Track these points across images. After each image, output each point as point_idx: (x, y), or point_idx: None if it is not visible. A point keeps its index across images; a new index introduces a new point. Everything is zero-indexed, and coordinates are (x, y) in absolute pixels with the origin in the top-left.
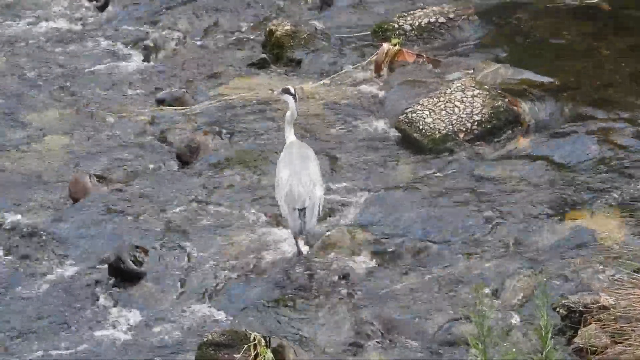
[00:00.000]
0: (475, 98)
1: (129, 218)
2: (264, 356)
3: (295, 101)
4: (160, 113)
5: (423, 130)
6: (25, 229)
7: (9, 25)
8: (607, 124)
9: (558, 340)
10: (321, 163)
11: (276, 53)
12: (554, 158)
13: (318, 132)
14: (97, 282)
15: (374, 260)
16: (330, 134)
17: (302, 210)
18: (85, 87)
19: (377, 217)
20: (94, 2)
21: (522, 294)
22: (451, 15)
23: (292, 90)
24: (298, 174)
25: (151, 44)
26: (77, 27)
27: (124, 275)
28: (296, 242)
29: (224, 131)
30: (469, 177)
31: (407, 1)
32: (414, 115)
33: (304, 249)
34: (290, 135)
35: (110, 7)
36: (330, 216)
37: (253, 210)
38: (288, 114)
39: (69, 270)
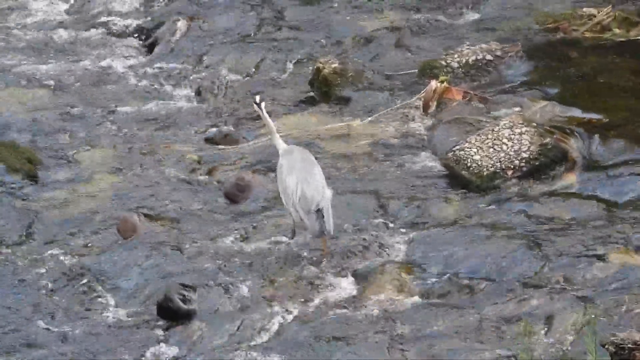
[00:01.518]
0: (523, 135)
1: (178, 257)
2: None
3: (261, 110)
4: (209, 151)
5: (471, 168)
6: (74, 268)
7: (61, 64)
8: None
9: None
10: (369, 200)
11: (324, 91)
12: (602, 195)
13: (366, 170)
14: (146, 321)
15: (422, 298)
16: (378, 171)
17: (318, 211)
18: (134, 126)
19: (424, 254)
20: (142, 42)
21: (571, 332)
22: (498, 53)
23: (257, 100)
24: (306, 179)
25: (199, 83)
26: (126, 66)
27: (173, 315)
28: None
29: (272, 169)
30: (517, 214)
31: (455, 39)
32: (461, 152)
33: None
34: (280, 142)
35: (158, 47)
36: (378, 253)
37: (302, 250)
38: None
39: (118, 310)
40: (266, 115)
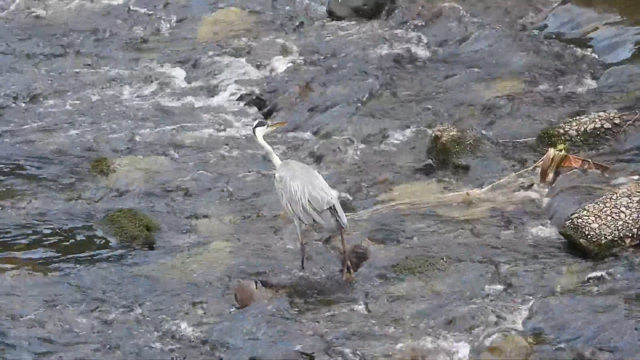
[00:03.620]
0: None
1: (296, 324)
2: None
3: (256, 136)
4: None
5: (589, 236)
6: (191, 334)
7: (179, 131)
8: None
9: None
10: (488, 267)
11: (442, 159)
12: None
13: (484, 237)
14: None
15: None
16: (496, 239)
17: (331, 208)
18: (250, 193)
19: (542, 322)
20: (260, 109)
21: None
22: (617, 121)
23: (254, 125)
24: (310, 181)
25: (316, 150)
26: (244, 133)
27: None
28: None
29: (390, 237)
30: (636, 283)
31: (573, 107)
32: (579, 220)
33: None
34: (277, 159)
35: (275, 114)
36: (497, 321)
37: (422, 320)
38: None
39: None
40: (261, 140)
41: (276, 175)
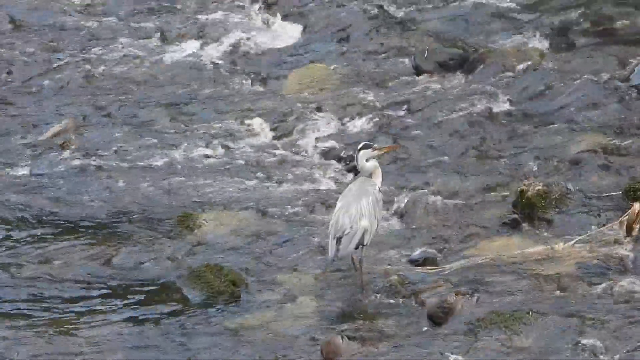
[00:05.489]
0: None
1: None
2: None
3: (357, 157)
4: (412, 273)
5: None
6: None
7: (264, 186)
8: None
9: None
10: (575, 323)
11: (527, 213)
12: None
13: (569, 292)
14: None
15: None
16: (581, 294)
17: (340, 238)
18: None
19: None
20: (345, 164)
21: None
22: None
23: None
24: (349, 205)
25: (403, 204)
26: (329, 189)
27: None
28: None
29: (477, 292)
30: None
31: None
32: None
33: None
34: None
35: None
36: None
37: None
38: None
39: None
40: (362, 163)
41: None
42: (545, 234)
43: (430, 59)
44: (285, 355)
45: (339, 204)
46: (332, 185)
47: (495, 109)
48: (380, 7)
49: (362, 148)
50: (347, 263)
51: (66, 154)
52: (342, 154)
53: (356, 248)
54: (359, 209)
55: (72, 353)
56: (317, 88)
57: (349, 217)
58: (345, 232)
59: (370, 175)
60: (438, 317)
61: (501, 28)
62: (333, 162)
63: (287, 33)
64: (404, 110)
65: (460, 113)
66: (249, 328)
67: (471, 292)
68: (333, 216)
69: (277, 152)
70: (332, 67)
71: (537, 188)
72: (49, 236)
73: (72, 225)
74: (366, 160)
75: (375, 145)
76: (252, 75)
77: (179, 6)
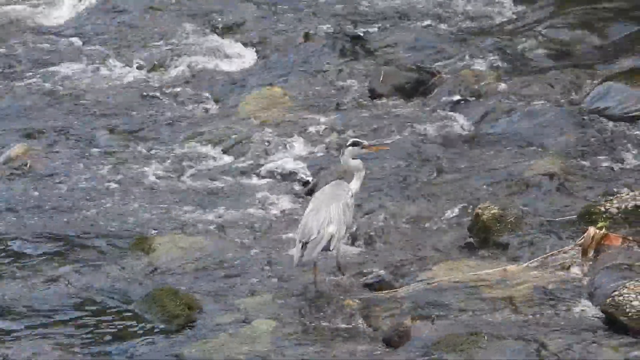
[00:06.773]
0: None
1: None
2: None
3: (342, 155)
4: (368, 297)
5: (630, 314)
6: None
7: (222, 210)
8: None
9: None
10: (528, 346)
11: (483, 237)
12: None
13: (525, 314)
14: None
15: None
16: (537, 316)
17: (306, 243)
18: (294, 272)
19: None
20: (303, 186)
21: None
22: None
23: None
24: (318, 210)
25: (357, 228)
26: (286, 210)
27: None
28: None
29: (432, 315)
30: None
31: (614, 184)
32: (620, 298)
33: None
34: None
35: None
36: None
37: None
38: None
39: None
40: (349, 161)
41: None
42: (500, 257)
43: (386, 82)
44: None
45: (310, 205)
46: (288, 208)
47: (451, 133)
48: (337, 31)
49: (351, 145)
50: (301, 283)
51: (19, 178)
52: (298, 177)
53: (326, 250)
54: (327, 214)
55: None
56: (272, 111)
57: (317, 221)
58: (312, 238)
59: (352, 175)
60: (393, 341)
61: (457, 52)
62: (288, 184)
63: (242, 57)
64: (359, 134)
65: (416, 136)
66: (203, 352)
67: (427, 316)
68: (303, 218)
69: (232, 175)
70: (287, 90)
71: (492, 212)
72: None
73: (23, 248)
74: (352, 158)
75: (365, 143)
76: (207, 99)
77: (135, 30)
